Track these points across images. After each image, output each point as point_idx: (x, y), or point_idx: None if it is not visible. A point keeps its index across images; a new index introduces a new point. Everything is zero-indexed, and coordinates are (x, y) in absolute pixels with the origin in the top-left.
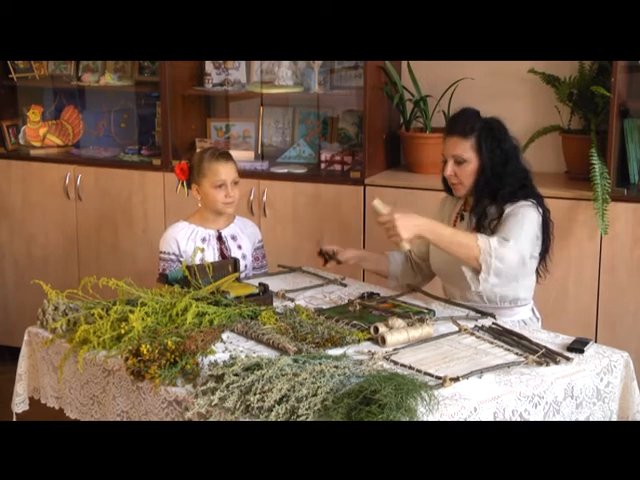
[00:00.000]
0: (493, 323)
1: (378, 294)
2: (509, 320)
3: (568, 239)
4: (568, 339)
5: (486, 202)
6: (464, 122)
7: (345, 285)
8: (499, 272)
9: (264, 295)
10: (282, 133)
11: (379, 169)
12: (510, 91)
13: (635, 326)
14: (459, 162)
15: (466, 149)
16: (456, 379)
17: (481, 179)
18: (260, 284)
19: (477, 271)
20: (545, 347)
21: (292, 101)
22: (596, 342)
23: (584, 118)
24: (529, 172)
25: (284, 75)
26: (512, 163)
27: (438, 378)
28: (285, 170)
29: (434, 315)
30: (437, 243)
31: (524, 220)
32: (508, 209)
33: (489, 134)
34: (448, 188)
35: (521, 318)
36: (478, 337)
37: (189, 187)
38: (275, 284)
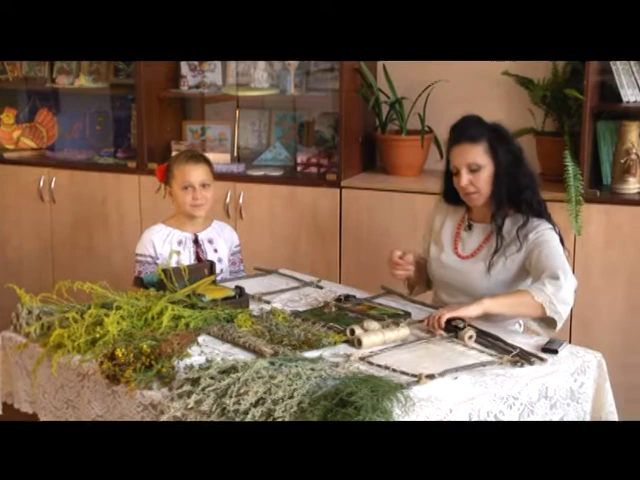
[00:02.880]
0: (468, 324)
1: (354, 296)
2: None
3: None
4: (542, 340)
5: (506, 208)
6: (470, 128)
7: (321, 287)
8: (568, 310)
9: (240, 298)
10: (258, 135)
11: (355, 171)
12: (484, 93)
13: (608, 327)
14: (474, 170)
15: (479, 154)
16: (431, 376)
17: (498, 183)
18: (236, 287)
19: (545, 320)
20: (520, 348)
21: (268, 103)
22: (570, 343)
23: (558, 120)
24: (535, 174)
25: (260, 77)
26: (523, 164)
27: (414, 376)
28: (261, 173)
29: (410, 317)
30: (502, 313)
31: (556, 246)
32: (532, 233)
33: (498, 136)
34: (449, 194)
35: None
36: (452, 341)
37: (165, 189)
38: (251, 287)
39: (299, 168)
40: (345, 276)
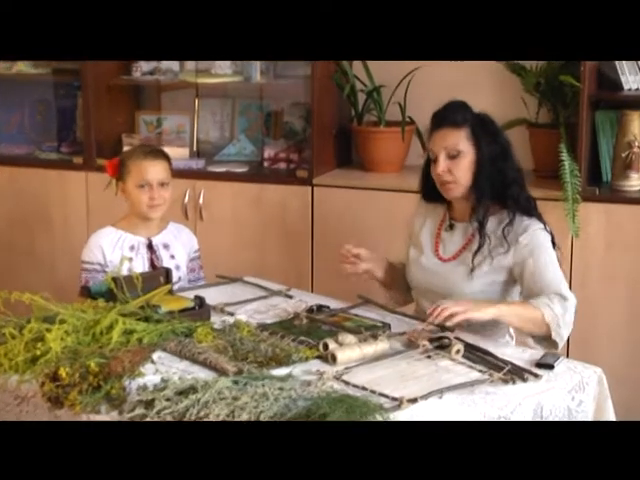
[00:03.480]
0: (455, 337)
1: (328, 307)
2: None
3: None
4: (537, 354)
5: (489, 203)
6: (454, 112)
7: (291, 297)
8: (568, 333)
9: (200, 309)
10: (220, 127)
11: (329, 167)
12: (472, 80)
13: (609, 338)
14: (452, 156)
15: (460, 139)
16: (414, 400)
17: (481, 173)
18: (196, 297)
19: (545, 339)
20: (511, 363)
21: (231, 92)
22: (567, 357)
23: (552, 110)
24: (522, 172)
25: (222, 63)
26: (510, 159)
27: (394, 399)
28: (224, 169)
29: (389, 329)
30: (512, 323)
31: (552, 255)
32: (522, 236)
33: (483, 125)
34: (428, 191)
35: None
36: (437, 355)
37: (117, 186)
38: (213, 296)
39: (266, 164)
40: (318, 284)
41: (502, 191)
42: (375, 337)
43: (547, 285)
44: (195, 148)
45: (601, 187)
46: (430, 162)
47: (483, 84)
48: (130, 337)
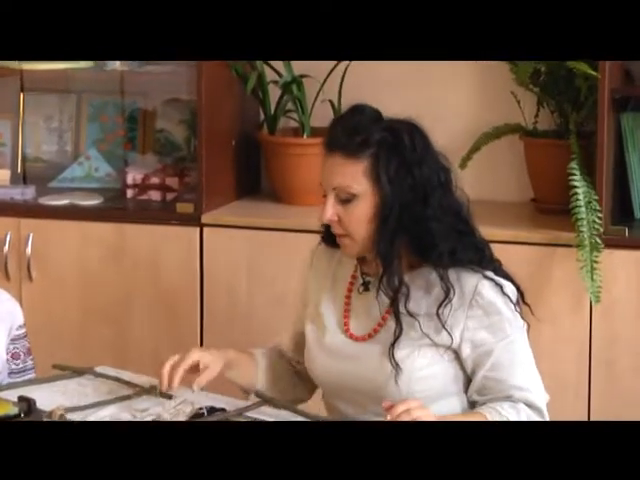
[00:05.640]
0: None
1: (223, 409)
2: None
3: (538, 310)
4: None
5: (396, 263)
6: (353, 130)
7: (169, 396)
8: None
9: (28, 416)
10: (59, 138)
11: (226, 199)
12: (441, 70)
13: None
14: (345, 200)
15: (356, 177)
16: None
17: (385, 226)
18: (20, 398)
19: None
20: None
21: (76, 84)
22: None
23: (558, 112)
24: (463, 207)
25: None
26: (436, 197)
27: None
28: (65, 201)
29: None
30: None
31: (518, 340)
32: (471, 308)
33: (394, 151)
34: (330, 232)
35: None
36: None
37: None
38: (48, 397)
39: (130, 193)
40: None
41: (427, 250)
42: None
43: (511, 385)
44: (20, 169)
45: (632, 226)
46: None
47: (457, 74)
48: None
